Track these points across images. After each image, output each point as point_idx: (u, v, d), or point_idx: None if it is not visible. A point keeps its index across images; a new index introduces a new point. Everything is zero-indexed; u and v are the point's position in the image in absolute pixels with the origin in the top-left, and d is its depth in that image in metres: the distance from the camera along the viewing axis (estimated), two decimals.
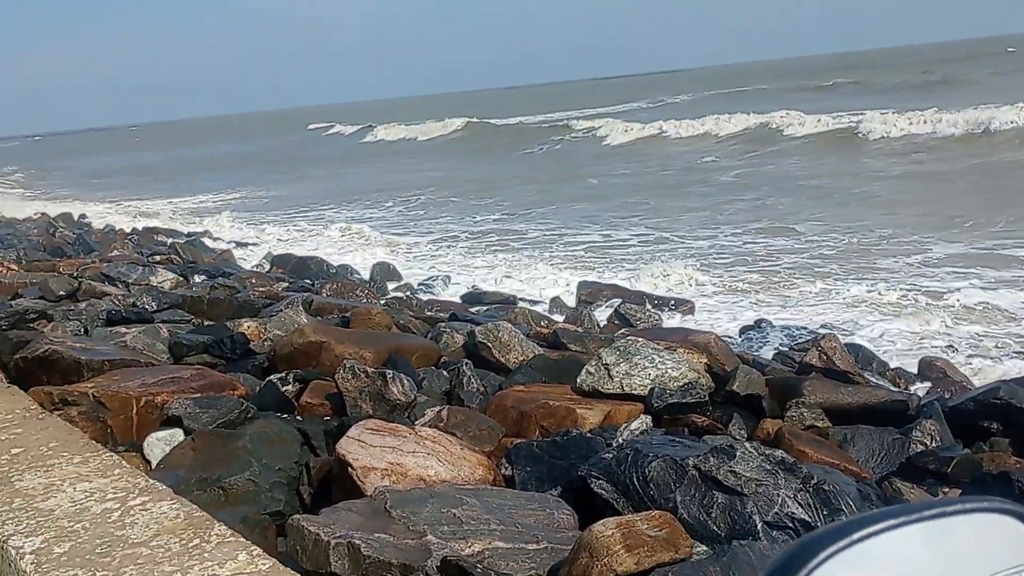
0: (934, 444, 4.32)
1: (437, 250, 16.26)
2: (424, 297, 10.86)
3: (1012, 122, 23.52)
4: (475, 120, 52.38)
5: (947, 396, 5.58)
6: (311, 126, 78.57)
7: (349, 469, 3.62)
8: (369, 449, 3.68)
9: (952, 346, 7.84)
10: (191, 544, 2.52)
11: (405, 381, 4.67)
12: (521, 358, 5.75)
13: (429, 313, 8.42)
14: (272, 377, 5.10)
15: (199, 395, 4.53)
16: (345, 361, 4.73)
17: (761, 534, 3.13)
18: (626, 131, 36.25)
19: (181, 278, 9.58)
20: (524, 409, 4.64)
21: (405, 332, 6.67)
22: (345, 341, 5.50)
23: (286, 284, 10.04)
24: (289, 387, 5.00)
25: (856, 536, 0.71)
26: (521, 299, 10.62)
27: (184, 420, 4.27)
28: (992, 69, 54.57)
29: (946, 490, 3.56)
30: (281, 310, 6.81)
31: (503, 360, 5.72)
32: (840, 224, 15.28)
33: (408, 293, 10.89)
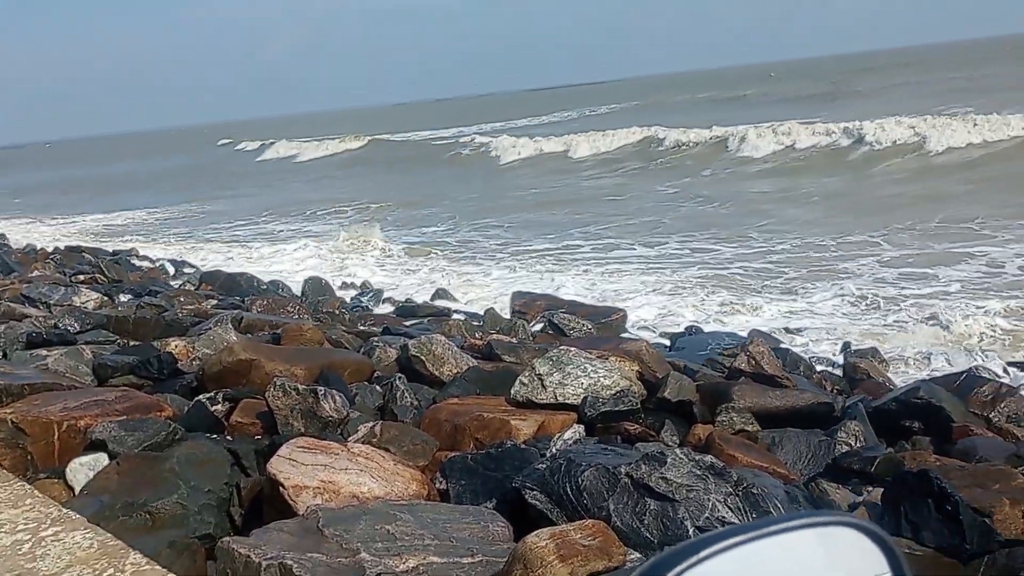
0: (858, 444, 4.43)
1: (380, 262, 16.27)
2: (359, 310, 10.78)
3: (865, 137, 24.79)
4: (381, 137, 52.66)
5: (871, 397, 5.72)
6: (221, 142, 78.68)
7: (280, 488, 3.57)
8: (301, 467, 3.64)
9: (875, 348, 8.05)
10: (104, 574, 2.45)
11: (337, 397, 4.63)
12: (455, 371, 5.73)
13: (362, 327, 8.35)
14: (201, 397, 5.01)
15: (124, 418, 4.41)
16: (275, 379, 4.66)
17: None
18: (518, 148, 36.56)
19: (105, 298, 9.35)
20: (458, 422, 4.63)
21: (337, 347, 6.60)
22: (275, 358, 5.42)
23: (215, 301, 9.85)
24: (218, 406, 4.91)
25: (704, 554, 0.74)
26: (455, 311, 10.61)
27: (109, 444, 4.16)
28: (896, 80, 56.82)
29: (870, 489, 3.65)
30: (210, 328, 6.68)
31: (437, 373, 5.70)
32: (726, 235, 15.74)
33: (341, 308, 10.79)
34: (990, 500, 3.43)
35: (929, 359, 7.86)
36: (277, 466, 3.64)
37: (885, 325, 9.21)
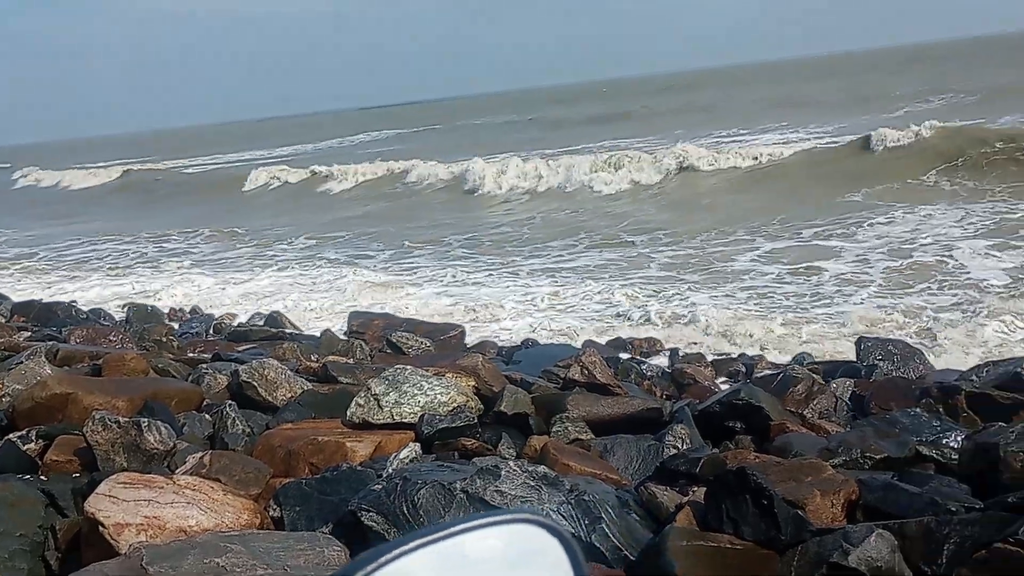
0: (685, 447, 4.62)
1: (210, 288, 15.73)
2: (188, 337, 10.36)
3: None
4: (136, 167, 50.87)
5: (697, 401, 5.97)
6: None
7: (100, 528, 3.38)
8: (122, 504, 3.46)
9: (701, 353, 8.43)
10: None
11: (163, 428, 4.44)
12: (289, 395, 5.61)
13: (191, 354, 8.04)
14: (11, 436, 4.68)
15: None
16: (94, 412, 4.42)
17: None
18: (270, 177, 36.63)
19: None
20: (292, 447, 4.53)
21: (164, 376, 6.33)
22: (95, 391, 5.14)
23: (28, 334, 9.24)
24: (32, 445, 4.60)
25: (386, 558, 0.76)
26: (290, 333, 10.37)
27: None
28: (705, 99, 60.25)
29: (695, 489, 3.81)
30: (21, 362, 6.26)
31: (270, 398, 5.56)
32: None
33: (169, 335, 10.34)
34: (803, 492, 3.65)
35: (751, 361, 8.31)
36: (96, 504, 3.45)
37: (705, 331, 9.64)
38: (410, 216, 24.34)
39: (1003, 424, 4.21)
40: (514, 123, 60.59)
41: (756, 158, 23.91)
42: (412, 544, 0.76)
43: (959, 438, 4.50)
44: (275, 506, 3.90)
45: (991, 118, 26.34)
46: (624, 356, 8.32)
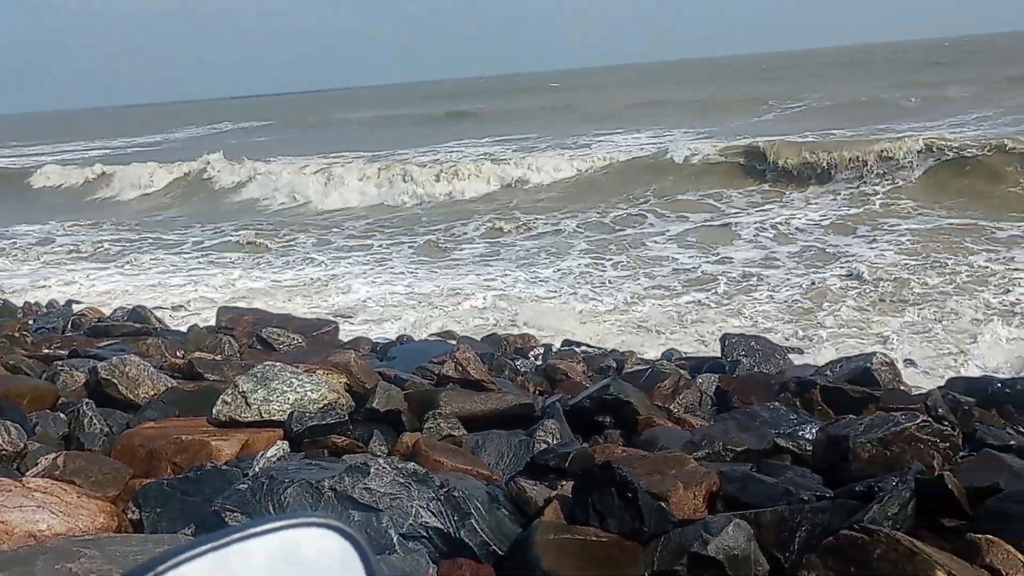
0: (555, 441, 4.68)
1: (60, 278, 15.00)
2: (44, 332, 9.84)
3: None
4: None
5: (569, 396, 6.06)
6: None
7: None
8: None
9: (573, 349, 8.56)
10: None
11: (12, 429, 4.23)
12: (152, 392, 5.41)
13: (46, 351, 7.64)
14: None
15: None
16: None
17: (397, 547, 3.21)
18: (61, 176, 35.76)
19: None
20: (153, 447, 4.38)
21: (16, 373, 6.01)
22: None
23: None
24: None
25: (160, 569, 0.72)
26: (156, 329, 9.99)
27: None
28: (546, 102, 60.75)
29: (563, 483, 3.87)
30: None
31: (131, 396, 5.35)
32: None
33: (22, 330, 9.81)
34: (667, 485, 3.76)
35: (621, 357, 8.49)
36: None
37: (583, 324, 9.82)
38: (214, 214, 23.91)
39: (853, 417, 4.43)
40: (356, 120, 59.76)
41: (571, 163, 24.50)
42: (189, 554, 0.72)
43: (813, 430, 4.71)
44: (134, 508, 3.76)
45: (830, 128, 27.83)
46: (498, 353, 8.36)
